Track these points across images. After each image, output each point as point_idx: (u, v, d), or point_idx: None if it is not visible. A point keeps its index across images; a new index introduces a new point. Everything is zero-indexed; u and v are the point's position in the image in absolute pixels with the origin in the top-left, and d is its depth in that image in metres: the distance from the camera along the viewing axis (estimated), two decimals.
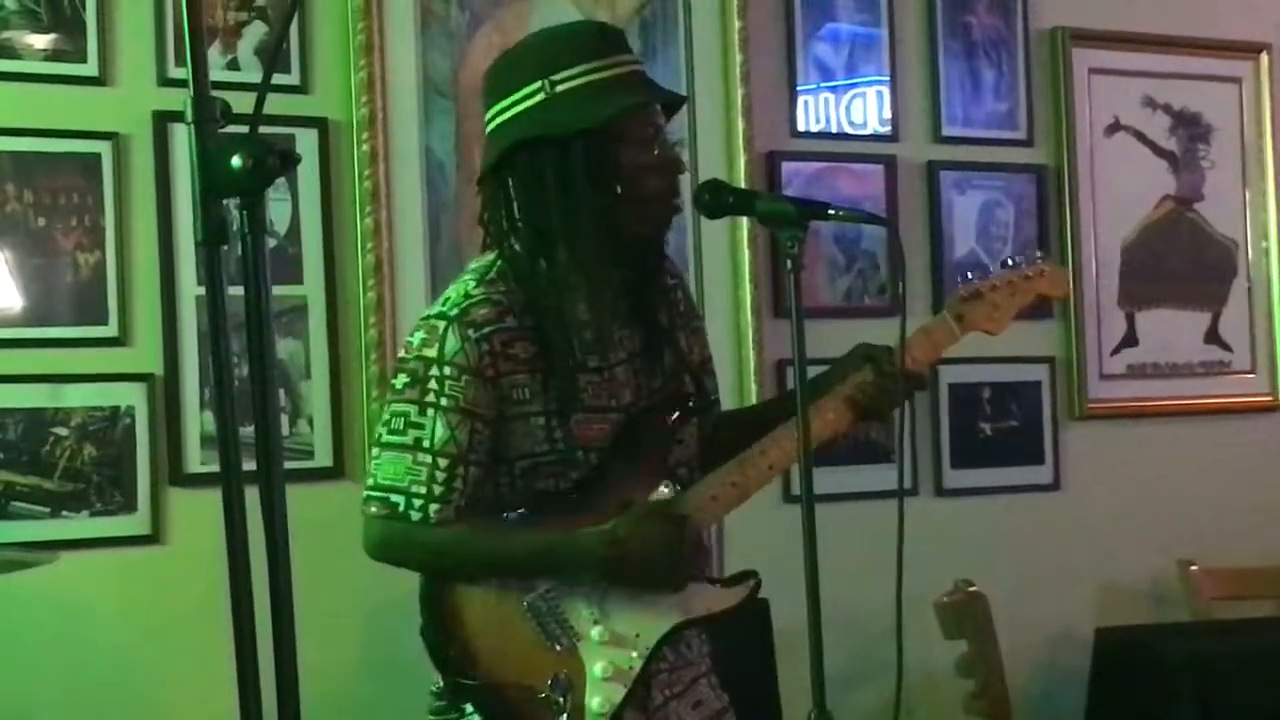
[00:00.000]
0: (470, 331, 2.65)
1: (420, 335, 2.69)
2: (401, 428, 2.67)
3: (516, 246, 2.73)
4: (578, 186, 2.66)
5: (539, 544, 2.71)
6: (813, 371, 2.60)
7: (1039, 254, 3.06)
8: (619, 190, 2.68)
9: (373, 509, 2.70)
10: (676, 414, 2.83)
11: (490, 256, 2.77)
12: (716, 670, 2.95)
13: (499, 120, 2.72)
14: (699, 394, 2.93)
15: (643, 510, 2.68)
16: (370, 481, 2.71)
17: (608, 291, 2.75)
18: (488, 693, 2.69)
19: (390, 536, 2.70)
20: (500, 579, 2.72)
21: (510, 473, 2.74)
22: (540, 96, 2.67)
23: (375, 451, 2.72)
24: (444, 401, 2.65)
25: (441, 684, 2.75)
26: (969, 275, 2.97)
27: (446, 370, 2.65)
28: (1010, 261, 3.00)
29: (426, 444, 2.65)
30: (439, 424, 2.65)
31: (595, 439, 2.73)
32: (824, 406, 2.80)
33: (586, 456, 2.73)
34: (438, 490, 2.65)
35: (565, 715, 2.65)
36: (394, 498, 2.67)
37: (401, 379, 2.70)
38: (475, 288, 2.71)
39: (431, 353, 2.66)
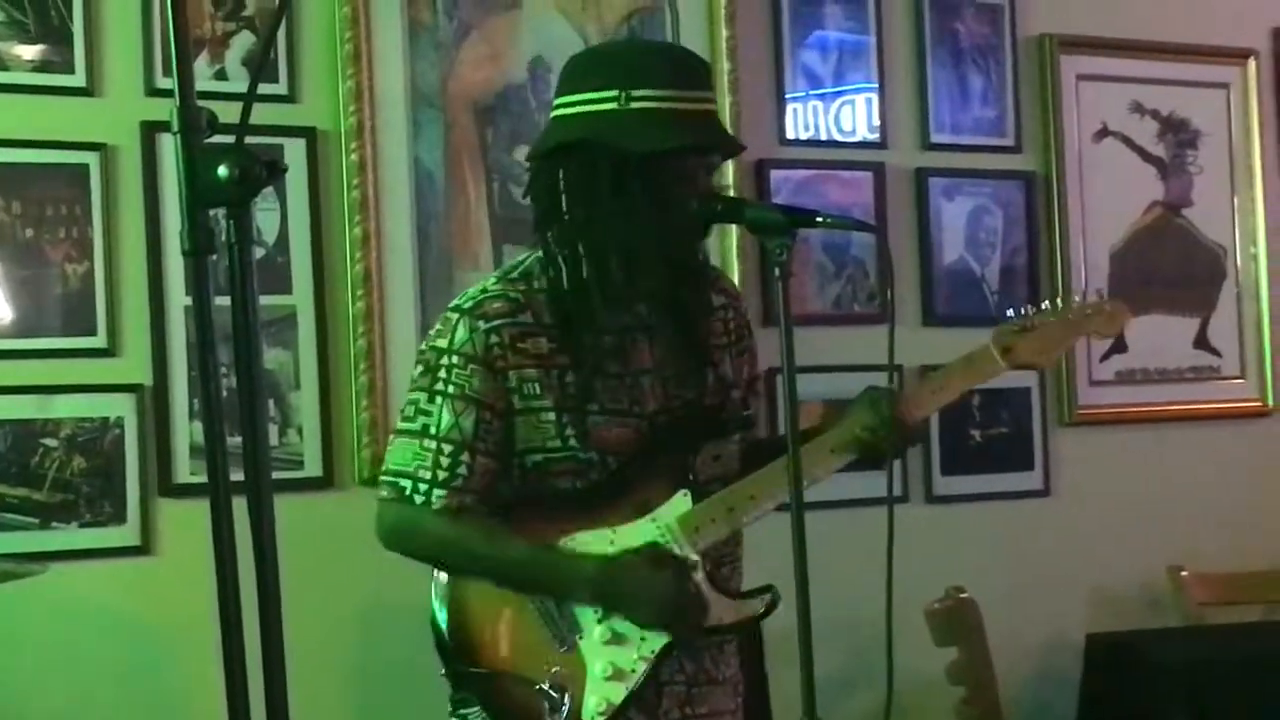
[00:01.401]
0: (480, 323, 2.72)
1: (437, 327, 2.79)
2: (412, 415, 2.76)
3: (557, 235, 2.77)
4: (629, 200, 2.69)
5: (535, 559, 2.74)
6: (801, 379, 2.59)
7: (1100, 291, 3.05)
8: (659, 215, 2.70)
9: (384, 492, 2.78)
10: (705, 429, 2.85)
11: (521, 255, 2.84)
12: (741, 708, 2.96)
13: (567, 111, 2.76)
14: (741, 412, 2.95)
15: (649, 552, 2.71)
16: (384, 467, 2.80)
17: (641, 300, 2.80)
18: (488, 682, 2.73)
19: (399, 522, 2.77)
20: (496, 584, 2.74)
21: (522, 466, 2.77)
22: (614, 105, 2.70)
23: (391, 438, 2.82)
24: (450, 389, 2.72)
25: (445, 673, 2.77)
26: (1020, 309, 2.95)
27: (454, 359, 2.72)
28: (1078, 298, 3.00)
29: (433, 430, 2.73)
30: (445, 411, 2.72)
31: (615, 443, 2.76)
32: (825, 444, 2.83)
33: (604, 459, 2.75)
34: (441, 475, 2.71)
35: (564, 710, 2.66)
36: (402, 482, 2.74)
37: (418, 369, 2.79)
38: (494, 284, 2.79)
39: (443, 343, 2.75)
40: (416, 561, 2.81)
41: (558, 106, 2.79)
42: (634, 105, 2.69)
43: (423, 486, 2.72)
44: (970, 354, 2.92)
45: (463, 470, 2.71)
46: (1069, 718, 4.74)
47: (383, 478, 2.80)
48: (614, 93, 2.70)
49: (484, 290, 2.77)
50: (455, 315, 2.75)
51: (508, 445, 2.75)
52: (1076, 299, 3.01)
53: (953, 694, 4.17)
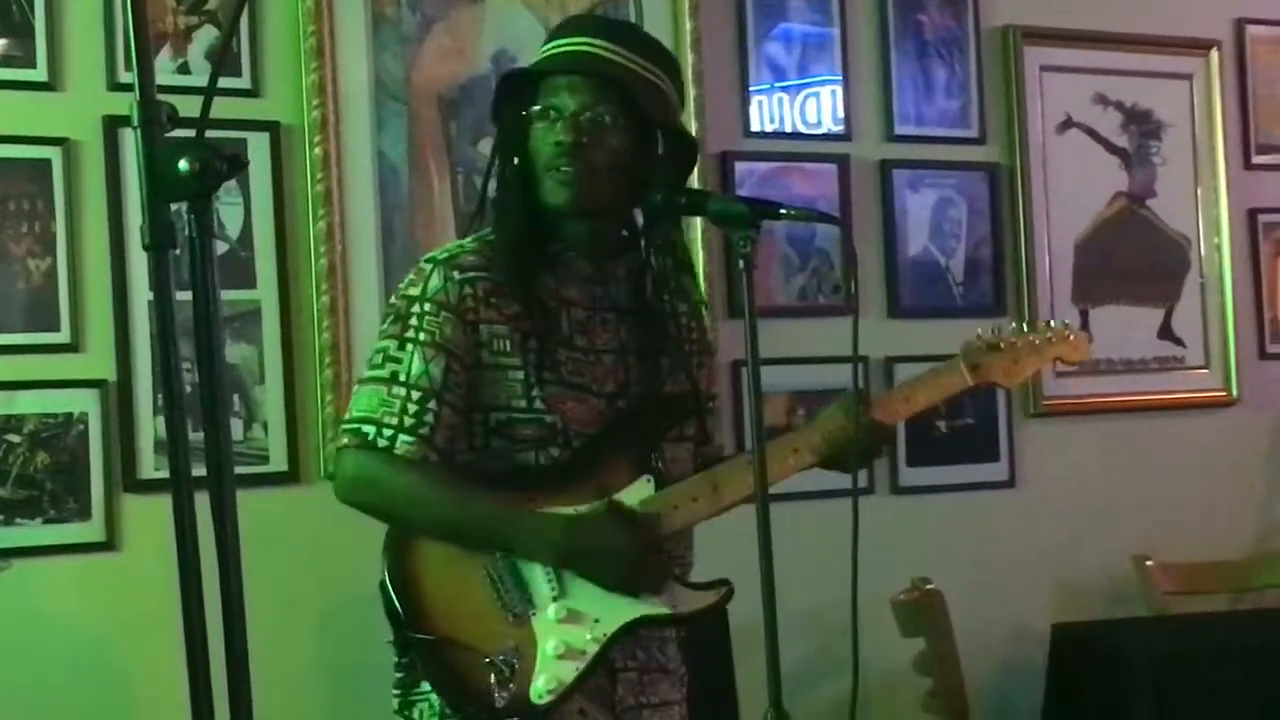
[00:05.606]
0: (455, 273, 2.71)
1: (409, 278, 2.77)
2: (380, 362, 2.72)
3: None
4: (495, 155, 2.81)
5: (500, 513, 2.70)
6: (766, 371, 2.59)
7: (1065, 322, 3.09)
8: (516, 161, 2.75)
9: (344, 440, 2.71)
10: (668, 417, 2.84)
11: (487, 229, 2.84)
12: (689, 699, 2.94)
13: None
14: (700, 421, 2.92)
15: (612, 508, 2.69)
16: (347, 415, 2.75)
17: (519, 264, 2.75)
18: (436, 649, 2.66)
19: (362, 472, 2.70)
20: (457, 541, 2.69)
21: (485, 425, 2.72)
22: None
23: (356, 387, 2.77)
24: (421, 336, 2.69)
25: (393, 640, 2.72)
26: (989, 329, 2.98)
27: (427, 307, 2.69)
28: (1048, 323, 3.04)
29: (402, 377, 2.68)
30: (415, 358, 2.68)
31: (574, 417, 2.73)
32: (790, 443, 2.83)
33: (566, 430, 2.72)
34: (408, 421, 2.66)
35: (510, 685, 2.63)
36: (365, 428, 2.68)
37: (387, 319, 2.76)
38: (469, 242, 2.79)
39: (415, 291, 2.72)
40: (372, 518, 2.73)
41: None
42: (527, 71, 2.83)
43: (387, 432, 2.66)
44: (938, 368, 2.94)
45: (430, 419, 2.66)
46: (1035, 708, 4.75)
47: (345, 425, 2.73)
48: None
49: (460, 246, 2.78)
50: (429, 265, 2.74)
51: (471, 401, 2.71)
52: (1045, 322, 3.05)
53: (919, 684, 4.18)
